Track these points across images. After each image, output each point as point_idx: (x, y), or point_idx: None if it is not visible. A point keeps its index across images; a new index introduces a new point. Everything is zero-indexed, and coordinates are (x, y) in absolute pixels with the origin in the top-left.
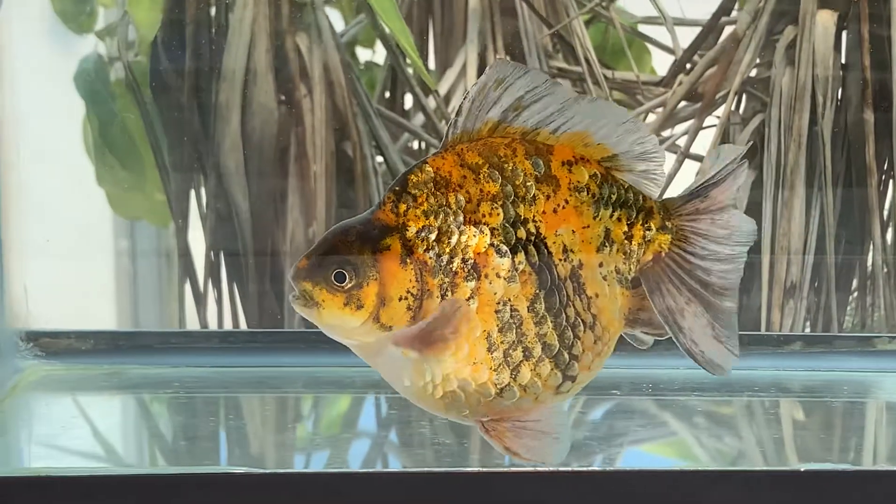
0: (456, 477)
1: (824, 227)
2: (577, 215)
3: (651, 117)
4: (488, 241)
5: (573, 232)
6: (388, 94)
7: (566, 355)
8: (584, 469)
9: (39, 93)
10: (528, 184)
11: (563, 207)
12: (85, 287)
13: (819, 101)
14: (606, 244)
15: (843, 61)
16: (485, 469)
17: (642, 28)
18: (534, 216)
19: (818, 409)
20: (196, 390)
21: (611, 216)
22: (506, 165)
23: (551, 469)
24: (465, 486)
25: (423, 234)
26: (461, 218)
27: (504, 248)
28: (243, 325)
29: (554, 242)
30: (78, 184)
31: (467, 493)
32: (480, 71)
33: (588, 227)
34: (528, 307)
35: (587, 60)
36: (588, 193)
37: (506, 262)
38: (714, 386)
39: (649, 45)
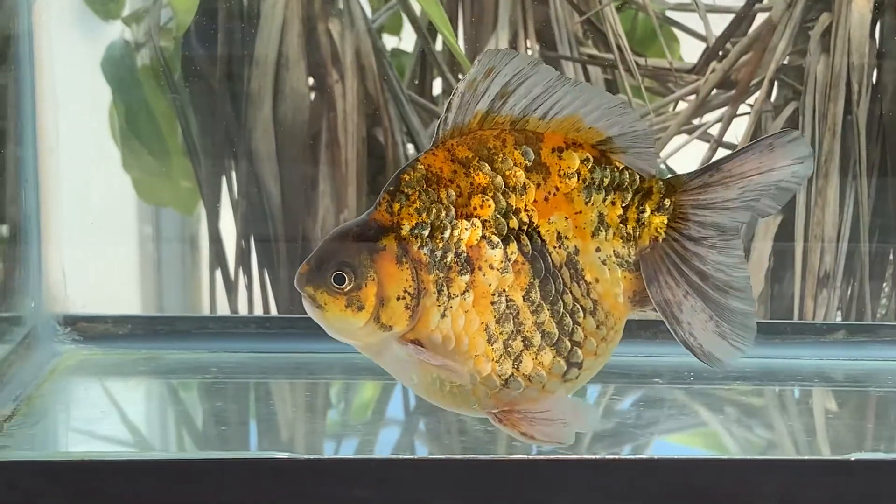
0: (502, 464)
1: (858, 215)
2: (567, 202)
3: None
4: (480, 234)
5: (566, 219)
6: (416, 81)
7: (567, 342)
8: (636, 458)
9: (71, 79)
10: (519, 173)
11: (554, 195)
12: (117, 272)
13: (854, 89)
14: (602, 229)
15: (878, 49)
16: (543, 457)
17: (672, 15)
18: (525, 205)
19: (862, 399)
20: (235, 376)
21: (604, 200)
22: (496, 157)
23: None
24: (508, 474)
25: (416, 232)
26: (453, 212)
27: (496, 239)
28: (273, 312)
29: (547, 230)
30: (107, 170)
31: (507, 480)
32: None
33: (580, 212)
34: (523, 297)
35: (619, 48)
36: (579, 179)
37: (498, 254)
38: (757, 375)
39: (677, 33)
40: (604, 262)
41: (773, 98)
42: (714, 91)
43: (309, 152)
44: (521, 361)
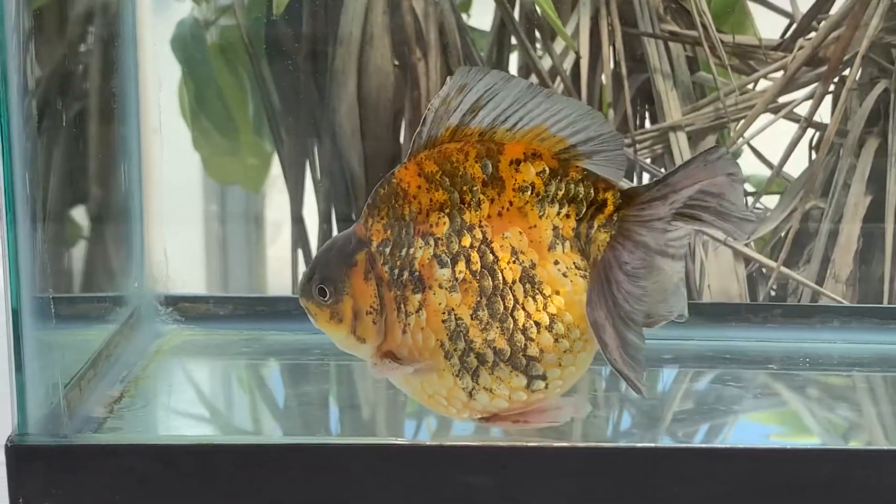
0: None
1: None
2: (521, 216)
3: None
4: (431, 253)
5: (520, 233)
6: (493, 58)
7: (522, 358)
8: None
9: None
10: (475, 188)
11: (508, 210)
12: (209, 253)
13: None
14: (558, 242)
15: None
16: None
17: None
18: (480, 221)
19: None
20: (337, 357)
21: (558, 213)
22: (457, 171)
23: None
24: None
25: (381, 248)
26: (411, 229)
27: (445, 258)
28: None
29: (501, 246)
30: (181, 149)
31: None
32: (593, 35)
33: (535, 227)
34: (471, 315)
35: (703, 25)
36: (532, 193)
37: (446, 273)
38: (874, 361)
39: (755, 8)
40: (564, 275)
41: (856, 77)
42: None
43: (391, 130)
44: (479, 376)
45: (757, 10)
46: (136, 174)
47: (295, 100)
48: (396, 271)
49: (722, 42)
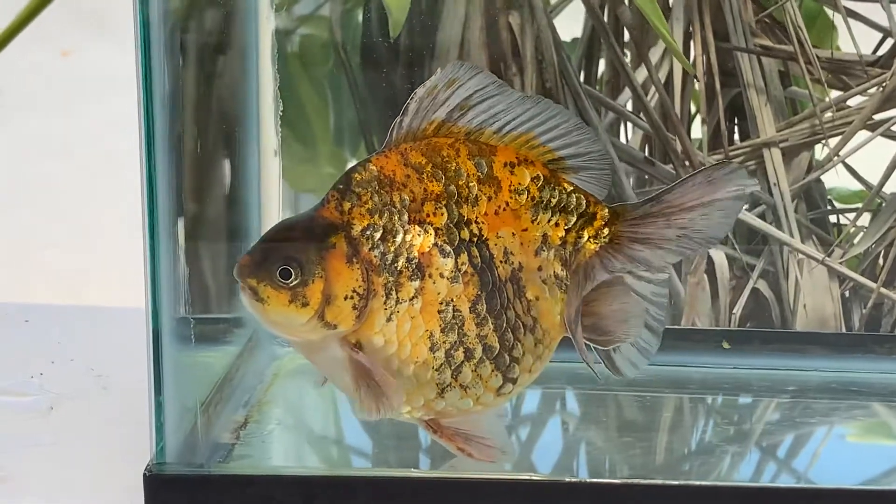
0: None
1: None
2: (515, 218)
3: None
4: (432, 241)
5: (513, 234)
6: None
7: (507, 357)
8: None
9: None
10: (471, 184)
11: (504, 210)
12: None
13: None
14: (544, 248)
15: None
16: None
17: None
18: (476, 217)
19: None
20: None
21: (549, 221)
22: (449, 165)
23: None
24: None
25: (368, 233)
26: (406, 217)
27: (448, 248)
28: None
29: (495, 244)
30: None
31: None
32: (685, 47)
33: (526, 230)
34: (470, 308)
35: (799, 40)
36: (528, 196)
37: (449, 262)
38: None
39: (841, 21)
40: (544, 282)
41: None
42: None
43: None
44: (460, 372)
45: (844, 23)
46: (256, 196)
47: (390, 115)
48: (390, 257)
49: (818, 57)
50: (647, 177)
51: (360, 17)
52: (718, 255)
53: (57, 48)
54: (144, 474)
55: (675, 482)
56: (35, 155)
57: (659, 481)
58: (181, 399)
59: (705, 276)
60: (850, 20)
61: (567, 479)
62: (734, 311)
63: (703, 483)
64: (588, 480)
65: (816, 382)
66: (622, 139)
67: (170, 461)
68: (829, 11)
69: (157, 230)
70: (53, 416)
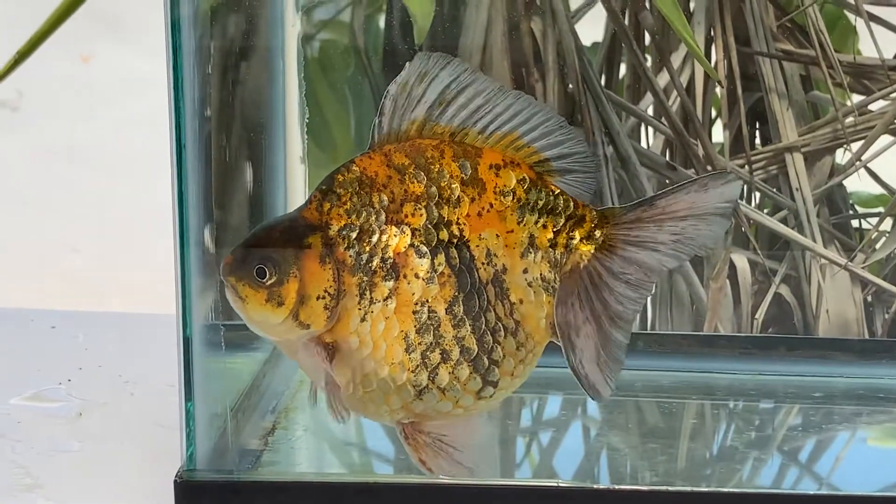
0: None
1: None
2: (500, 220)
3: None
4: (409, 242)
5: (497, 236)
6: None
7: (485, 360)
8: None
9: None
10: (454, 186)
11: (488, 211)
12: None
13: None
14: (531, 250)
15: None
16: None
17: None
18: (457, 218)
19: None
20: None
21: (536, 222)
22: (432, 167)
23: None
24: None
25: (344, 233)
26: (383, 217)
27: (424, 248)
28: None
29: (477, 246)
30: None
31: None
32: (706, 51)
33: (512, 231)
34: (446, 309)
35: (821, 44)
36: (513, 198)
37: (425, 263)
38: None
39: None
40: (529, 285)
41: None
42: None
43: None
44: (437, 374)
45: (866, 27)
46: (283, 202)
47: None
48: (364, 256)
49: (840, 62)
50: (668, 181)
51: (382, 23)
52: (741, 261)
53: (76, 53)
54: (175, 481)
55: (701, 489)
56: (58, 160)
57: (687, 488)
58: (210, 405)
59: (727, 281)
60: (872, 24)
61: (592, 486)
62: (756, 316)
63: (734, 490)
64: (615, 487)
65: (841, 388)
66: (643, 144)
67: (200, 468)
68: (851, 15)
69: (186, 237)
70: (82, 423)
